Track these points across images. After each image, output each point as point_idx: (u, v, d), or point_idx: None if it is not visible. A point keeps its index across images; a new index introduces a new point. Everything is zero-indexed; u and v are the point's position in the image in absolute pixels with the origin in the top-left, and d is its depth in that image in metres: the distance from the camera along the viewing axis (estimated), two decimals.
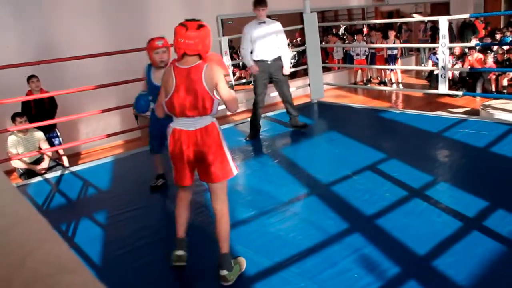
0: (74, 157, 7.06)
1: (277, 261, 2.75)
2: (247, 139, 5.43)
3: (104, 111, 5.57)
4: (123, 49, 5.66)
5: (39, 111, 5.81)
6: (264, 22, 5.18)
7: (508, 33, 12.24)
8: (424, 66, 12.46)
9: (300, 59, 11.88)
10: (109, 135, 5.80)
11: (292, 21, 8.90)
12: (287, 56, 5.32)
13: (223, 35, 8.55)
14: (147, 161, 5.18)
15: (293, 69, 9.81)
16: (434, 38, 11.90)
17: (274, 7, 9.99)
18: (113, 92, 6.80)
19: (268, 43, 5.16)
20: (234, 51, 13.76)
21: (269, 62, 5.18)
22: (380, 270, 2.56)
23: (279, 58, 5.23)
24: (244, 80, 10.26)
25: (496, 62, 10.27)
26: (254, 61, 5.19)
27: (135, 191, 4.25)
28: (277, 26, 5.23)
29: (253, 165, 4.57)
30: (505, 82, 9.98)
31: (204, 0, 8.84)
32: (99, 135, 6.14)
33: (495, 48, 10.60)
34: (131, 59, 6.72)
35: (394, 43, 10.81)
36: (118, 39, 7.24)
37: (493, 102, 7.26)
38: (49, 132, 6.12)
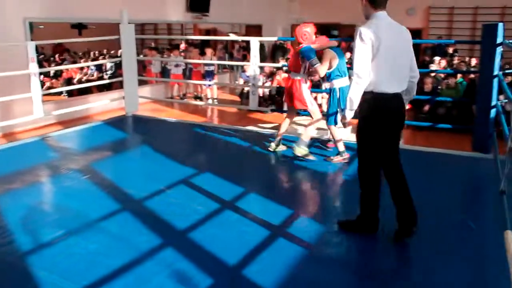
0: None
1: (85, 284, 2.58)
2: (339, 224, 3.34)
3: None
4: None
5: None
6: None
7: None
8: (237, 83, 13.14)
9: (117, 71, 11.52)
10: None
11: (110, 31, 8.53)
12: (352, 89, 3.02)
13: (31, 40, 7.82)
14: None
15: (108, 81, 9.51)
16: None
17: (89, 15, 9.59)
18: None
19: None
20: (45, 58, 12.75)
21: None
22: (193, 284, 2.59)
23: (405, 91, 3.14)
24: (54, 90, 9.53)
25: None
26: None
27: None
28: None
29: (61, 181, 4.26)
30: None
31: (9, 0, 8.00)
32: None
33: None
34: None
35: (211, 59, 11.18)
36: None
37: (298, 119, 7.93)
38: None
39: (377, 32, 2.88)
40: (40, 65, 6.99)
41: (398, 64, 2.97)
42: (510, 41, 5.15)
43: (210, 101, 11.41)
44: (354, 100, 2.97)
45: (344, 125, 3.23)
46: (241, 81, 11.26)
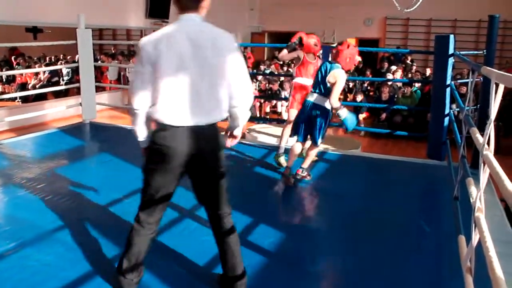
0: None
1: None
2: None
3: None
4: None
5: None
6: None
7: (272, 66, 13.84)
8: None
9: (74, 76, 11.28)
10: None
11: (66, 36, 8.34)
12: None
13: None
14: None
15: (64, 87, 9.27)
16: None
17: (44, 19, 9.33)
18: None
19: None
20: None
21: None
22: None
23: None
24: (6, 96, 9.23)
25: (259, 90, 11.46)
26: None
27: None
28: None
29: (14, 191, 4.10)
30: (268, 109, 11.21)
31: None
32: None
33: (260, 77, 11.85)
34: None
35: None
36: None
37: (257, 126, 7.98)
38: None
39: (162, 41, 2.18)
40: None
41: (199, 84, 2.21)
42: (461, 52, 5.36)
43: None
44: (137, 132, 2.39)
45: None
46: None
